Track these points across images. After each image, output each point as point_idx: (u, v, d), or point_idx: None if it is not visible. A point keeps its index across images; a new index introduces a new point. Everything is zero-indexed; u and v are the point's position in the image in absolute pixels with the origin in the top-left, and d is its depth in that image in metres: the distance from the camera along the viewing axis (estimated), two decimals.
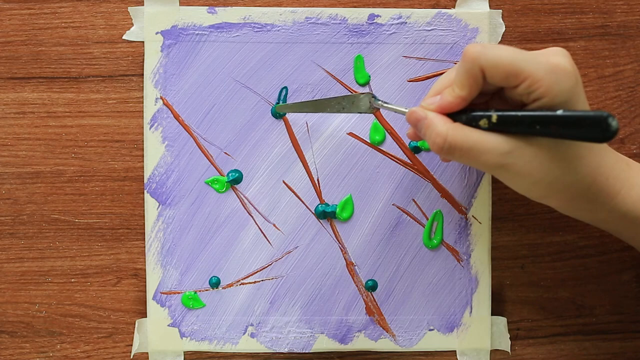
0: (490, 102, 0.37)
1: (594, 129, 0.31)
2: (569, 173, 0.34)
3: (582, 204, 0.36)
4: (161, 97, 0.43)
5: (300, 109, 0.42)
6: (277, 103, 0.43)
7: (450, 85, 0.35)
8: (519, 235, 0.45)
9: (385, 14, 0.43)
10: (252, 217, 0.44)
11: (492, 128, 0.33)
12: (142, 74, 0.44)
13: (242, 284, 0.43)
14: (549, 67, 0.32)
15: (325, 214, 0.43)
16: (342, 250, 0.44)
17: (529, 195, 0.35)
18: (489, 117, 0.33)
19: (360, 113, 0.40)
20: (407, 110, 0.36)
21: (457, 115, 0.35)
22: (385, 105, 0.38)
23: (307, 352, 0.43)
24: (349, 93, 0.42)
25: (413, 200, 0.44)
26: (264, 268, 0.44)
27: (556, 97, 0.32)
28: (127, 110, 0.45)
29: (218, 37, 0.43)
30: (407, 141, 0.44)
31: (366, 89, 0.44)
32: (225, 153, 0.43)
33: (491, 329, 0.44)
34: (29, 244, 0.45)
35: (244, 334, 0.43)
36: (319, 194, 0.44)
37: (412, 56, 0.44)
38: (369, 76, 0.44)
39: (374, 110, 0.40)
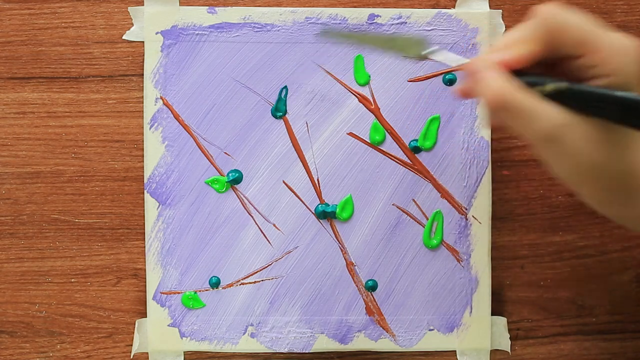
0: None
1: None
2: (615, 160, 0.32)
3: (619, 197, 0.34)
4: (161, 97, 0.43)
5: (345, 38, 0.41)
6: (278, 103, 0.43)
7: (517, 42, 0.33)
8: (519, 235, 0.45)
9: (385, 14, 0.43)
10: (252, 217, 0.44)
11: (551, 96, 0.32)
12: (142, 74, 0.44)
13: (242, 284, 0.43)
14: (623, 47, 0.31)
15: (325, 214, 0.43)
16: (342, 250, 0.44)
17: (565, 177, 0.34)
18: (555, 85, 0.32)
19: (407, 57, 0.39)
20: (462, 61, 0.35)
21: (517, 76, 0.33)
22: (438, 52, 0.36)
23: (307, 352, 0.43)
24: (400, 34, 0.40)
25: (413, 200, 0.44)
26: (264, 268, 0.44)
27: (621, 79, 0.31)
28: (127, 110, 0.45)
29: (218, 37, 0.43)
30: (407, 141, 0.44)
31: (366, 90, 0.44)
32: (225, 153, 0.43)
33: (491, 329, 0.44)
34: (29, 244, 0.45)
35: (244, 334, 0.43)
36: (319, 194, 0.44)
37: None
38: (369, 76, 0.44)
39: (422, 58, 0.37)
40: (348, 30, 0.42)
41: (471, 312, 0.44)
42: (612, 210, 0.36)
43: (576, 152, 0.32)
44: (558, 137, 0.32)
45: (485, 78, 0.33)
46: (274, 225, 0.44)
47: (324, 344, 0.43)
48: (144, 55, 0.43)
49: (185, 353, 0.44)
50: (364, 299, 0.44)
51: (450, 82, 0.44)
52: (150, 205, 0.43)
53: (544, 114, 0.32)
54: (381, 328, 0.44)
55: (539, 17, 0.33)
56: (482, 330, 0.44)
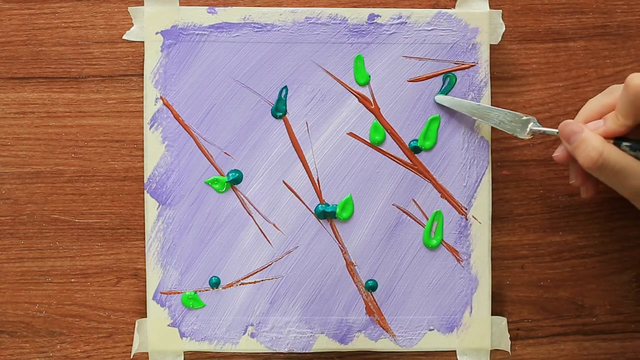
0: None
1: None
2: None
3: None
4: (161, 97, 0.43)
5: (458, 106, 0.43)
6: (278, 103, 0.43)
7: (608, 111, 0.37)
8: (519, 235, 0.45)
9: (385, 14, 0.43)
10: (252, 217, 0.44)
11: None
12: (142, 74, 0.44)
13: (242, 284, 0.43)
14: None
15: (325, 214, 0.43)
16: (342, 250, 0.44)
17: None
18: None
19: (515, 135, 0.41)
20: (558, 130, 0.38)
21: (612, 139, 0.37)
22: (543, 130, 0.40)
23: (307, 352, 0.43)
24: (513, 112, 0.42)
25: (413, 200, 0.44)
26: (264, 268, 0.44)
27: None
28: (127, 110, 0.45)
29: (218, 37, 0.43)
30: (407, 141, 0.44)
31: (366, 90, 0.44)
32: (225, 153, 0.43)
33: (491, 329, 0.44)
34: (29, 244, 0.45)
35: (244, 334, 0.43)
36: (319, 194, 0.44)
37: (412, 56, 0.44)
38: (369, 76, 0.44)
39: (529, 136, 0.41)
40: (461, 99, 0.43)
41: (471, 312, 0.44)
42: None
43: None
44: None
45: (582, 139, 0.36)
46: (274, 225, 0.44)
47: (324, 344, 0.43)
48: (144, 55, 0.43)
49: (185, 353, 0.44)
50: (364, 299, 0.44)
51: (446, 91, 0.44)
52: (150, 205, 0.43)
53: (637, 172, 0.35)
54: (381, 328, 0.44)
55: (629, 93, 0.35)
56: (482, 330, 0.44)
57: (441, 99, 0.43)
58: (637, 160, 0.36)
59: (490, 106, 0.43)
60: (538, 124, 0.41)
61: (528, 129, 0.41)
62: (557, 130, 0.39)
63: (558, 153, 0.40)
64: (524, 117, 0.41)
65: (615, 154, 0.35)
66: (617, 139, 0.37)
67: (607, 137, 0.37)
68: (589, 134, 0.36)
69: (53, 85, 0.45)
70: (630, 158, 0.35)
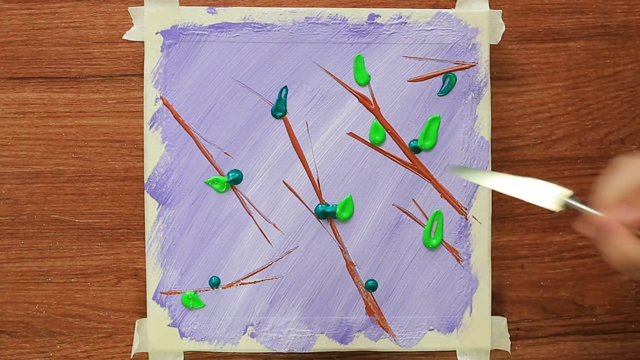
0: None
1: None
2: None
3: None
4: (161, 97, 0.43)
5: (477, 177, 0.40)
6: (278, 103, 0.43)
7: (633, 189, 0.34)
8: (519, 235, 0.45)
9: (385, 14, 0.43)
10: (252, 217, 0.44)
11: None
12: (142, 74, 0.44)
13: (242, 284, 0.43)
14: None
15: (325, 214, 0.43)
16: (342, 250, 0.44)
17: None
18: None
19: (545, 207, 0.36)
20: (597, 214, 0.34)
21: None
22: (577, 206, 0.35)
23: (307, 352, 0.43)
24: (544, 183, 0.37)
25: (413, 200, 0.44)
26: (264, 268, 0.44)
27: None
28: (127, 110, 0.45)
29: (218, 37, 0.43)
30: (407, 141, 0.44)
31: (366, 90, 0.44)
32: (225, 153, 0.43)
33: (491, 329, 0.44)
34: (29, 244, 0.45)
35: (244, 334, 0.43)
36: (319, 194, 0.44)
37: (412, 56, 0.44)
38: (369, 76, 0.44)
39: (560, 208, 0.35)
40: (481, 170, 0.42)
41: (471, 312, 0.44)
42: None
43: None
44: None
45: (615, 237, 0.34)
46: (274, 225, 0.44)
47: (324, 344, 0.43)
48: (144, 55, 0.43)
49: (185, 353, 0.44)
50: (364, 299, 0.44)
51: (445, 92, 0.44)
52: (150, 205, 0.43)
53: None
54: (381, 328, 0.44)
55: None
56: (482, 330, 0.44)
57: (454, 170, 0.42)
58: None
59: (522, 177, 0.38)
60: (574, 201, 0.35)
61: (562, 202, 0.35)
62: (595, 212, 0.34)
63: (587, 233, 0.36)
64: (557, 191, 0.36)
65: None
66: None
67: (636, 226, 0.34)
68: (621, 234, 0.33)
69: (53, 85, 0.45)
70: None
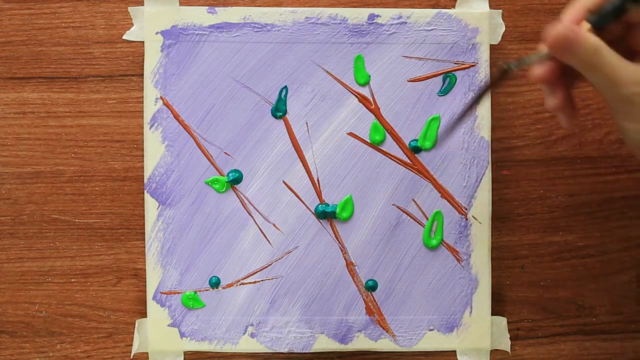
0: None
1: None
2: None
3: None
4: (161, 97, 0.43)
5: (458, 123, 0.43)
6: (278, 103, 0.43)
7: None
8: (519, 235, 0.45)
9: (385, 14, 0.43)
10: (252, 217, 0.44)
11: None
12: (142, 74, 0.44)
13: (242, 284, 0.43)
14: None
15: (325, 214, 0.43)
16: (342, 250, 0.44)
17: (634, 137, 0.34)
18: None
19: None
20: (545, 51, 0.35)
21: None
22: (522, 63, 0.35)
23: (307, 352, 0.43)
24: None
25: (413, 200, 0.44)
26: (264, 268, 0.44)
27: None
28: (127, 110, 0.45)
29: (218, 37, 0.43)
30: (407, 141, 0.44)
31: (366, 90, 0.44)
32: (225, 153, 0.43)
33: (491, 329, 0.44)
34: (29, 244, 0.45)
35: (244, 334, 0.43)
36: (319, 194, 0.44)
37: (412, 56, 0.44)
38: (369, 76, 0.44)
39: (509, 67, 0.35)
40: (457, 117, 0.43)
41: (471, 312, 0.44)
42: None
43: None
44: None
45: (579, 42, 0.34)
46: (274, 225, 0.44)
47: (324, 344, 0.43)
48: (144, 55, 0.43)
49: (185, 353, 0.44)
50: (364, 299, 0.44)
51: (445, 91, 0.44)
52: (150, 205, 0.43)
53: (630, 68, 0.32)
54: (381, 328, 0.44)
55: None
56: (482, 330, 0.44)
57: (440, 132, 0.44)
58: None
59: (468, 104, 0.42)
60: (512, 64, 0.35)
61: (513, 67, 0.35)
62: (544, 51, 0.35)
63: (539, 71, 0.35)
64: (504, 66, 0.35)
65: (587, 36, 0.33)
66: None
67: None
68: (579, 32, 0.33)
69: (53, 85, 0.45)
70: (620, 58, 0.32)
